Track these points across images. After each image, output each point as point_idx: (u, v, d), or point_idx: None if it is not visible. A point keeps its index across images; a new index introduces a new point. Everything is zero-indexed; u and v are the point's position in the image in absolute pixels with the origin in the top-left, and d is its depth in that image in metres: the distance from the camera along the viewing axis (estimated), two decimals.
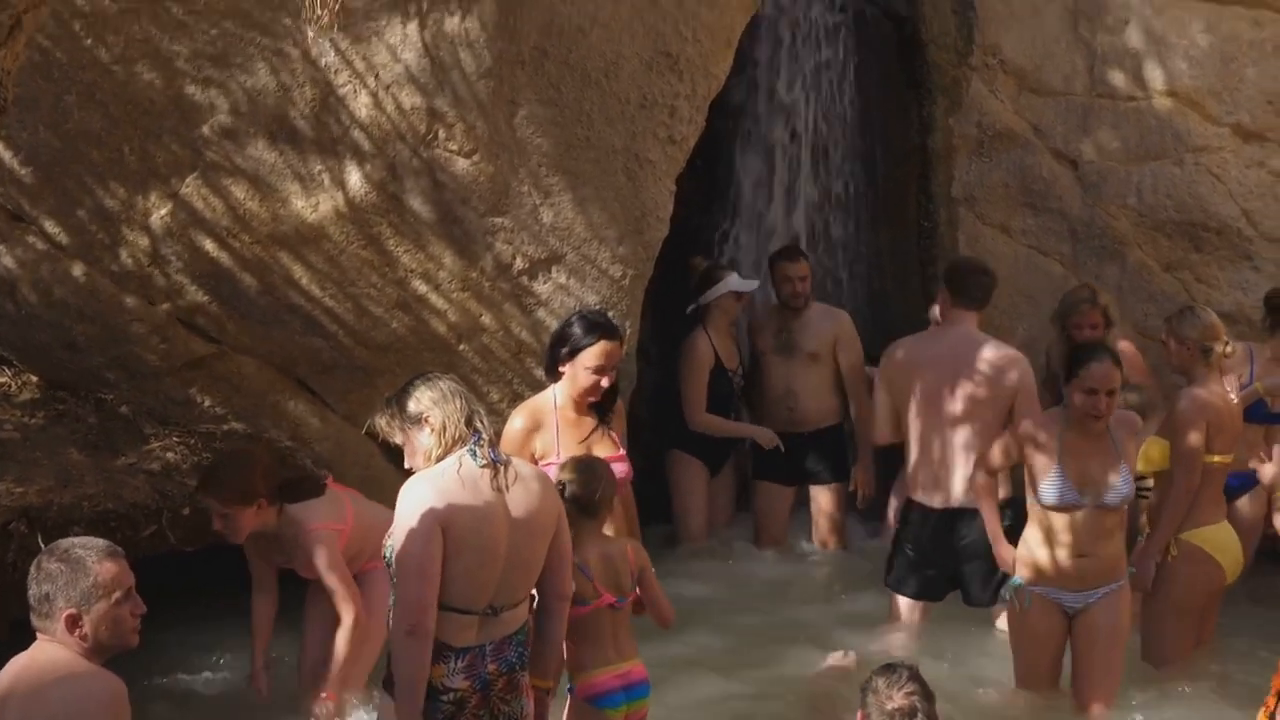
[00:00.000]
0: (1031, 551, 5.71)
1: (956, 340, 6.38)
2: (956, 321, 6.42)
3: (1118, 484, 5.59)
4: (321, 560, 5.33)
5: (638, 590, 4.93)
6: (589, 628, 4.81)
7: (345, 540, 5.41)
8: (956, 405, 6.33)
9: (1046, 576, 5.68)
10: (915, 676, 3.99)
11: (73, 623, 3.60)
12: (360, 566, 5.51)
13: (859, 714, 4.01)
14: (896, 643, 6.35)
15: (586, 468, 4.91)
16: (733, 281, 7.66)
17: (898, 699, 3.92)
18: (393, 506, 4.29)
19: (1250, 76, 8.17)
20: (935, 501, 6.39)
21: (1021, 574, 5.75)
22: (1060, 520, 5.61)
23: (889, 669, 4.03)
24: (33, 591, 3.64)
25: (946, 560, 6.43)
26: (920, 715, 3.91)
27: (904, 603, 6.53)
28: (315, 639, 5.57)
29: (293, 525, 5.37)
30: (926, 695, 3.96)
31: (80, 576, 3.60)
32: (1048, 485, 5.60)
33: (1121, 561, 5.74)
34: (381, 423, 4.39)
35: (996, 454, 5.89)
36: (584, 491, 4.82)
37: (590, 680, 4.83)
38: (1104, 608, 5.66)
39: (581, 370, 5.30)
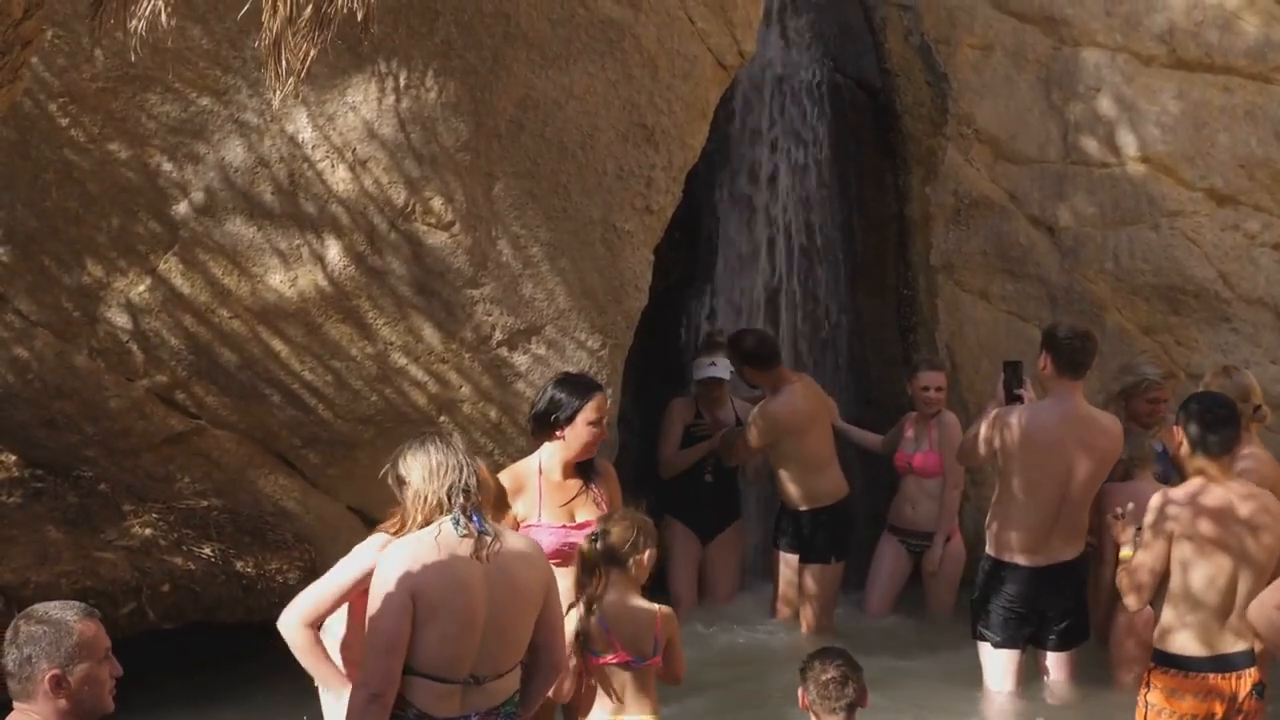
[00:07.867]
0: None
1: (1072, 412, 6.31)
2: (1067, 391, 6.33)
3: None
4: None
5: (658, 658, 5.01)
6: (600, 677, 4.93)
7: None
8: (1074, 480, 6.30)
9: None
10: (844, 653, 4.50)
11: (56, 684, 3.52)
12: None
13: (800, 691, 4.47)
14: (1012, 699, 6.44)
15: (627, 520, 5.02)
16: (700, 368, 7.62)
17: (830, 671, 4.42)
18: None
19: (1222, 141, 8.24)
20: (1038, 561, 6.39)
21: None
22: None
23: (823, 651, 4.54)
24: (11, 657, 3.56)
25: (1043, 610, 6.49)
26: (850, 683, 4.41)
27: (1003, 655, 6.52)
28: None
29: None
30: (854, 667, 4.46)
31: (64, 636, 3.54)
32: None
33: None
34: (389, 479, 4.39)
35: None
36: (616, 541, 4.96)
37: None
38: None
39: (583, 427, 5.38)
